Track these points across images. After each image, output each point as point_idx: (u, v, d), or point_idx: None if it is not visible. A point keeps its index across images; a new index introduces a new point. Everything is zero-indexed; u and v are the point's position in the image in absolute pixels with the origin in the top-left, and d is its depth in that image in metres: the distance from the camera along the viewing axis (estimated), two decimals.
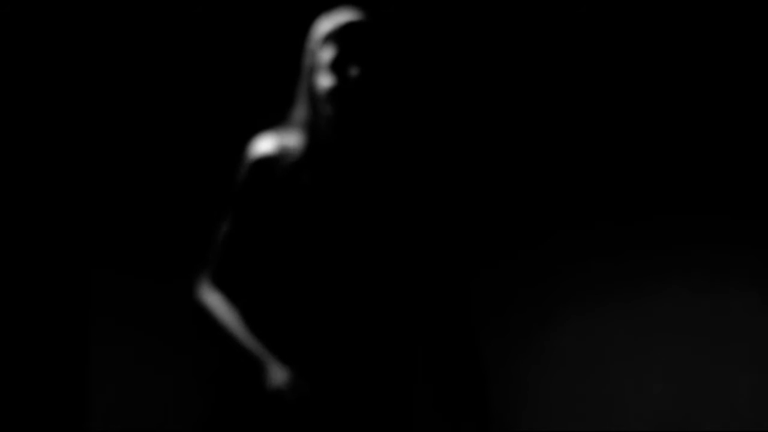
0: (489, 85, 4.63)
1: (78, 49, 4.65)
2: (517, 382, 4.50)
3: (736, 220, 4.42)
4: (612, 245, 4.50)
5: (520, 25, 4.60)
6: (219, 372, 3.21)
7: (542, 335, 4.53)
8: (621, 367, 4.44)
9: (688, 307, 4.43)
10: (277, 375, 2.58)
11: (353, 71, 2.58)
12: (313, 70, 2.64)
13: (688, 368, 4.39)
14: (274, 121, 4.05)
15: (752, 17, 4.43)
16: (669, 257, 4.45)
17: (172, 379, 4.24)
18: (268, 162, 2.66)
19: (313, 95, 2.65)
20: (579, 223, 4.53)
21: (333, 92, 2.59)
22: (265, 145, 2.67)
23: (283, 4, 4.73)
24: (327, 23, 2.64)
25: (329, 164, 2.63)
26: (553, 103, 4.58)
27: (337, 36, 2.60)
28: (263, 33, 4.75)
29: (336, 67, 2.60)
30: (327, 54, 2.60)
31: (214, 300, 2.65)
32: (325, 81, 2.60)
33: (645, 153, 4.50)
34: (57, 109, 4.69)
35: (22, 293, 4.57)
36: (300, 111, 2.68)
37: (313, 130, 2.64)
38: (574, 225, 4.52)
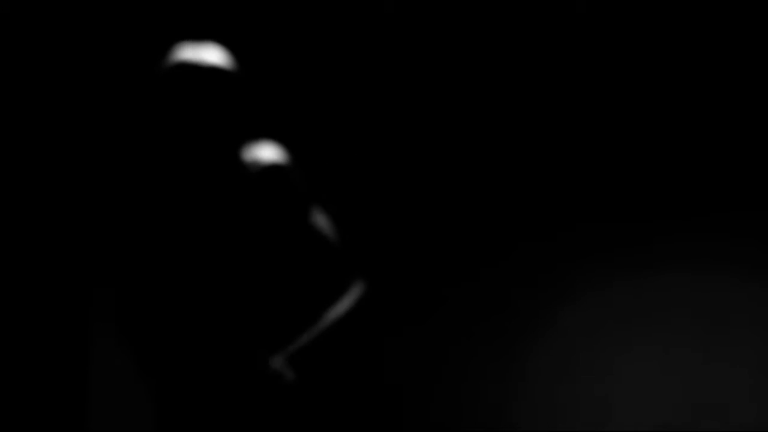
0: (490, 87, 4.64)
1: (77, 76, 4.68)
2: (514, 381, 4.52)
3: (738, 212, 4.45)
4: (610, 243, 4.52)
5: (489, 23, 4.63)
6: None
7: (540, 334, 4.53)
8: (620, 366, 4.45)
9: (689, 305, 4.44)
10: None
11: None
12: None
13: (688, 367, 4.39)
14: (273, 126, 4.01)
15: (722, 18, 4.47)
16: (671, 252, 4.47)
17: None
18: None
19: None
20: (577, 220, 4.54)
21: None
22: None
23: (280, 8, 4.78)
24: (175, 55, 2.84)
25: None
26: (549, 104, 4.60)
27: (173, 70, 2.81)
28: (264, 34, 4.79)
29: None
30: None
31: None
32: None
33: (646, 150, 4.52)
34: (59, 123, 4.71)
35: (23, 295, 4.57)
36: None
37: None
38: (572, 223, 4.54)
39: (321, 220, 2.87)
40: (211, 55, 2.80)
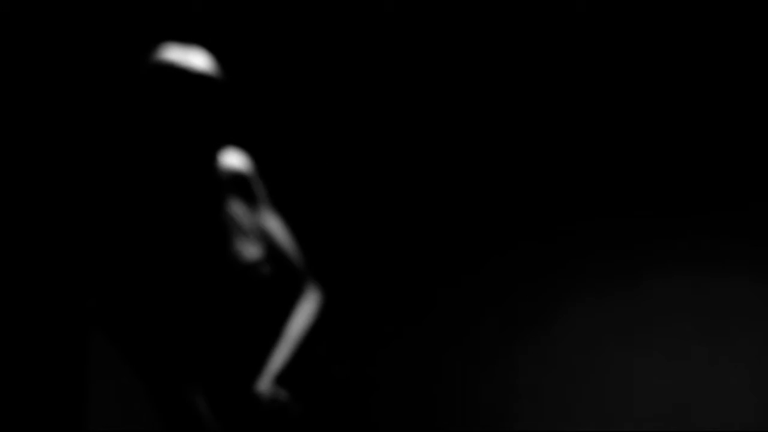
0: (488, 86, 4.58)
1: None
2: (513, 381, 4.50)
3: (736, 213, 4.39)
4: (611, 240, 4.47)
5: (489, 23, 4.56)
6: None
7: (540, 333, 4.50)
8: (620, 365, 4.42)
9: (690, 305, 4.39)
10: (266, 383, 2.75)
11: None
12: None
13: (688, 365, 4.36)
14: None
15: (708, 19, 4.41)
16: (671, 250, 4.42)
17: None
18: None
19: None
20: (579, 217, 4.50)
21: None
22: None
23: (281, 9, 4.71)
24: (161, 57, 2.81)
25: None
26: (548, 102, 4.55)
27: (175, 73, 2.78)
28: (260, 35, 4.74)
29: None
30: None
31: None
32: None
33: (646, 150, 4.46)
34: (49, 127, 4.62)
35: (21, 292, 4.52)
36: None
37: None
38: (574, 220, 4.50)
39: (274, 225, 2.87)
40: (197, 60, 2.76)
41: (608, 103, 4.54)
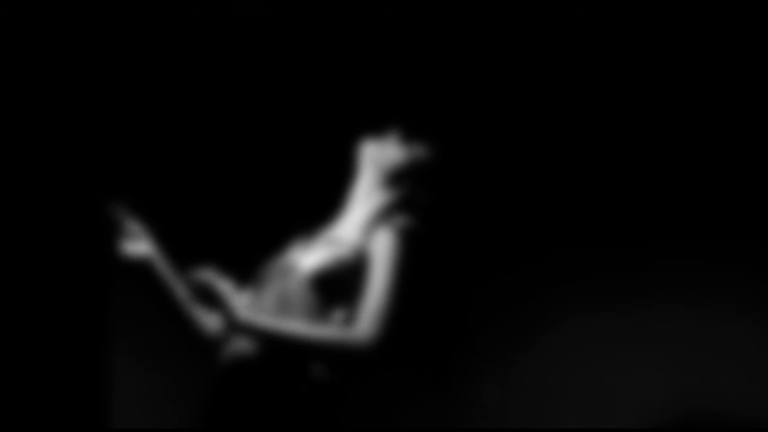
0: (503, 97, 4.66)
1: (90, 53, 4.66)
2: (515, 383, 4.61)
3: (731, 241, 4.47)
4: (608, 263, 4.57)
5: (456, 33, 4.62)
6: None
7: (540, 337, 4.62)
8: (619, 368, 4.54)
9: (679, 333, 4.48)
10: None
11: None
12: None
13: (685, 369, 4.46)
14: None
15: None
16: (659, 278, 4.51)
17: (194, 375, 4.20)
18: None
19: None
20: (575, 244, 4.61)
21: None
22: None
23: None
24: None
25: None
26: (549, 120, 4.65)
27: None
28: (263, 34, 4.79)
29: None
30: None
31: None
32: None
33: (641, 174, 4.56)
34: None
35: (42, 286, 4.54)
36: None
37: None
38: (571, 247, 4.61)
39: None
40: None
41: (595, 126, 4.61)
